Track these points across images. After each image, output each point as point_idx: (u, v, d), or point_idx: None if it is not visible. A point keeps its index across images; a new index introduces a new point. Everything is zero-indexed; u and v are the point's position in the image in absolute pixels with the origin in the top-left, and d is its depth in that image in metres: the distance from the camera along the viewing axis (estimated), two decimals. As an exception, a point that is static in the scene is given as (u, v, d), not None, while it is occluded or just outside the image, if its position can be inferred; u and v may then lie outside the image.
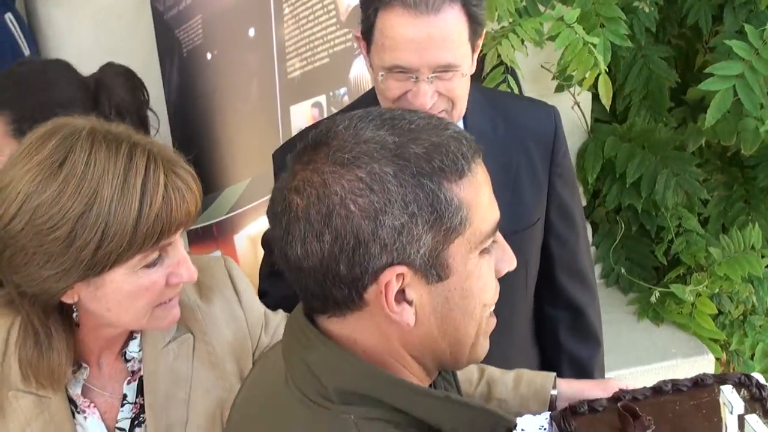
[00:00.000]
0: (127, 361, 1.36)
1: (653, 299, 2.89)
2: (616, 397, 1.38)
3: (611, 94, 2.53)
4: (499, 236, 1.06)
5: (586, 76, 2.49)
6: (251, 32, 2.24)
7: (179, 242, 1.27)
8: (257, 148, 2.24)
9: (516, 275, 1.82)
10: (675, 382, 1.40)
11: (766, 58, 2.44)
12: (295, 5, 2.29)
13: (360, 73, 2.58)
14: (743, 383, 1.38)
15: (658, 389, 1.40)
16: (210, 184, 2.20)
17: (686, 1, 2.91)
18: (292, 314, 1.10)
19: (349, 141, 0.97)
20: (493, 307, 1.09)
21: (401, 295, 0.98)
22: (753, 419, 1.21)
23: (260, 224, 2.26)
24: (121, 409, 1.37)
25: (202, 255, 1.51)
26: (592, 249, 3.26)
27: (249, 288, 1.48)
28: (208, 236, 2.27)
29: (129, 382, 1.37)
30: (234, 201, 2.25)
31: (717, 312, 2.85)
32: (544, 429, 1.44)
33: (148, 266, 1.21)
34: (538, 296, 1.89)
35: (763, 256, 2.80)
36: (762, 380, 1.42)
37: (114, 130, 1.23)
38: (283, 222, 0.99)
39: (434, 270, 0.98)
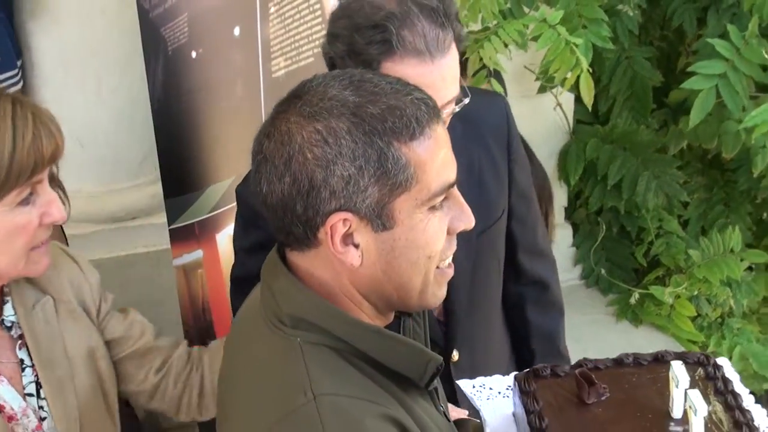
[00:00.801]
0: (8, 328, 1.51)
1: (632, 300, 2.99)
2: (579, 365, 1.48)
3: (593, 94, 2.57)
4: (456, 196, 1.20)
5: (568, 76, 2.53)
6: (236, 31, 2.28)
7: (46, 183, 1.42)
8: (241, 147, 2.22)
9: (490, 265, 1.90)
10: (636, 356, 1.51)
11: (749, 58, 2.52)
12: (280, 4, 2.31)
13: None
14: (701, 362, 1.50)
15: (619, 361, 1.51)
16: (193, 183, 2.25)
17: (670, 3, 2.98)
18: (273, 249, 1.26)
19: (316, 96, 1.13)
20: (449, 260, 1.23)
21: (349, 239, 1.14)
22: (694, 394, 1.33)
23: (243, 223, 2.38)
24: (23, 374, 1.52)
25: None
26: (573, 250, 3.35)
27: (84, 257, 1.68)
28: (190, 235, 2.30)
29: (20, 347, 1.52)
30: (216, 200, 2.30)
31: (695, 314, 2.93)
32: (510, 388, 1.60)
33: (22, 203, 1.37)
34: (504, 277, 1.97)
35: (742, 260, 2.89)
36: (723, 363, 1.53)
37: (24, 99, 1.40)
38: (255, 162, 1.15)
39: (379, 220, 1.12)
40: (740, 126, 2.58)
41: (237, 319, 1.38)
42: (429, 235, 1.17)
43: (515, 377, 1.51)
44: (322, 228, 1.13)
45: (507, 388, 1.61)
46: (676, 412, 1.42)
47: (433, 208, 1.16)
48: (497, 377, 1.64)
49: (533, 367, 1.52)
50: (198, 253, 2.33)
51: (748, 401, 1.47)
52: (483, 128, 1.85)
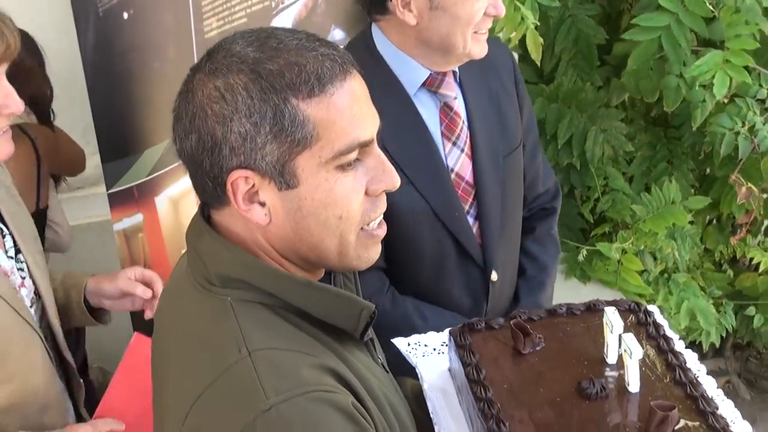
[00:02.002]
0: None
1: (581, 258, 3.00)
2: (513, 316, 1.49)
3: (540, 50, 2.59)
4: (376, 155, 1.19)
5: (513, 36, 2.57)
6: None
7: (3, 78, 1.52)
8: (176, 108, 2.30)
9: (516, 190, 1.99)
10: (570, 306, 1.53)
11: (693, 11, 2.52)
12: None
13: None
14: (632, 310, 1.52)
15: (553, 312, 1.53)
16: (129, 146, 2.20)
17: None
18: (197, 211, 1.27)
19: (221, 54, 1.14)
20: (377, 221, 1.23)
21: (255, 197, 1.14)
22: (629, 337, 1.35)
23: (181, 185, 2.30)
24: (5, 239, 1.71)
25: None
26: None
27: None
28: (129, 199, 2.25)
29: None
30: (154, 162, 2.25)
31: (642, 269, 2.95)
32: (445, 344, 1.59)
33: None
34: None
35: (690, 211, 2.94)
36: (653, 309, 1.55)
37: None
38: (172, 120, 1.18)
39: (282, 178, 1.13)
40: (684, 75, 2.58)
41: (165, 288, 1.37)
42: (338, 196, 1.15)
43: (450, 332, 1.51)
44: (227, 186, 1.14)
45: (442, 344, 1.61)
46: (611, 358, 1.44)
47: (341, 168, 1.14)
48: (432, 334, 1.65)
49: (467, 321, 1.52)
50: (138, 217, 2.30)
51: (679, 346, 1.49)
52: (495, 62, 1.93)
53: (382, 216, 1.24)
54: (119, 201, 2.28)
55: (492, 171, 1.89)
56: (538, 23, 2.56)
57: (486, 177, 1.88)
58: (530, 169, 2.04)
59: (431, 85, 1.82)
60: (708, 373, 1.50)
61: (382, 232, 1.25)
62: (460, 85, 1.87)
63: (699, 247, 3.04)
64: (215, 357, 1.14)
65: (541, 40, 2.56)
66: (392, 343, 1.64)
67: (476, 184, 1.88)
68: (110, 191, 2.23)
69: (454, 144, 1.86)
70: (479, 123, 1.87)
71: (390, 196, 1.76)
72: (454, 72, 1.85)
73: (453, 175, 1.86)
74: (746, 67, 2.63)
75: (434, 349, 1.63)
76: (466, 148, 1.86)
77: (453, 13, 1.71)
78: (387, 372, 1.39)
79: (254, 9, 2.41)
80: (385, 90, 1.77)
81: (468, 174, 1.87)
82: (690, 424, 1.28)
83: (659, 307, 2.96)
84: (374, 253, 1.25)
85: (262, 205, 1.15)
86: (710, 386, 1.42)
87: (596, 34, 3.05)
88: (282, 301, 1.18)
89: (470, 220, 1.89)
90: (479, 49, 1.76)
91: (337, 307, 1.21)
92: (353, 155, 1.15)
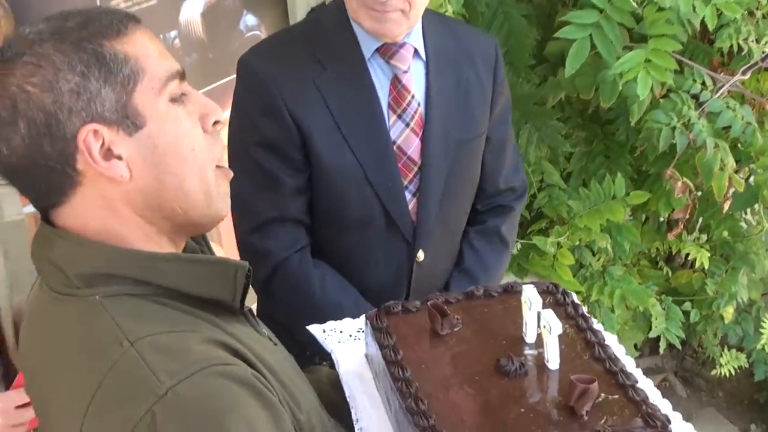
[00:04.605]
0: None
1: (516, 251, 2.94)
2: (429, 299, 1.46)
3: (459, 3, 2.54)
4: (193, 92, 1.18)
5: None
6: None
7: None
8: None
9: (464, 178, 1.94)
10: (487, 288, 1.51)
11: (620, 7, 2.50)
12: None
13: (190, 16, 2.56)
14: (550, 291, 1.51)
15: (470, 294, 1.51)
16: None
17: None
18: (37, 229, 1.18)
19: (15, 44, 1.08)
20: (225, 160, 1.22)
21: (110, 154, 1.10)
22: (548, 313, 1.34)
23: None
24: None
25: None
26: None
27: None
28: None
29: None
30: None
31: (578, 264, 2.94)
32: (361, 330, 1.53)
33: None
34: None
35: (627, 206, 2.89)
36: (569, 292, 1.53)
37: None
38: None
39: (128, 120, 1.10)
40: (609, 72, 2.55)
41: (26, 319, 1.27)
42: (183, 127, 1.15)
43: (366, 316, 1.48)
44: (78, 154, 1.09)
45: (358, 331, 1.58)
46: (530, 337, 1.41)
47: (174, 101, 1.15)
48: (348, 320, 1.62)
49: (384, 305, 1.49)
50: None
51: (597, 326, 1.47)
52: (474, 53, 1.94)
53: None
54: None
55: (441, 152, 1.87)
56: (465, 13, 2.51)
57: (433, 157, 1.86)
58: (494, 163, 2.03)
59: (385, 54, 1.81)
60: (644, 371, 1.48)
61: (228, 174, 1.24)
62: (427, 65, 1.86)
63: (637, 242, 3.00)
64: (96, 358, 1.07)
65: (464, 12, 2.55)
66: (307, 329, 1.60)
67: (422, 161, 1.86)
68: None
69: (399, 117, 1.83)
70: (437, 104, 1.86)
71: (322, 153, 1.79)
72: (418, 52, 1.85)
73: (395, 147, 1.83)
74: (680, 63, 2.61)
75: (350, 336, 1.59)
76: (414, 125, 1.84)
77: None
78: (276, 345, 1.33)
79: (163, -9, 2.34)
80: (346, 48, 1.80)
81: (412, 150, 1.85)
82: (610, 397, 1.28)
83: (594, 302, 2.95)
84: (224, 202, 1.24)
85: (119, 159, 1.11)
86: (647, 386, 1.39)
87: (528, 33, 3.01)
88: (152, 287, 1.12)
89: (408, 195, 1.87)
90: (369, 24, 1.75)
91: (210, 276, 1.16)
92: (177, 85, 1.15)
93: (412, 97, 1.83)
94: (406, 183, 1.86)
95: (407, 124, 1.84)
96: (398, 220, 1.86)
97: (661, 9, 2.53)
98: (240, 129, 1.85)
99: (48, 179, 1.10)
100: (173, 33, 2.52)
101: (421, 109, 1.84)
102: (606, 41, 2.55)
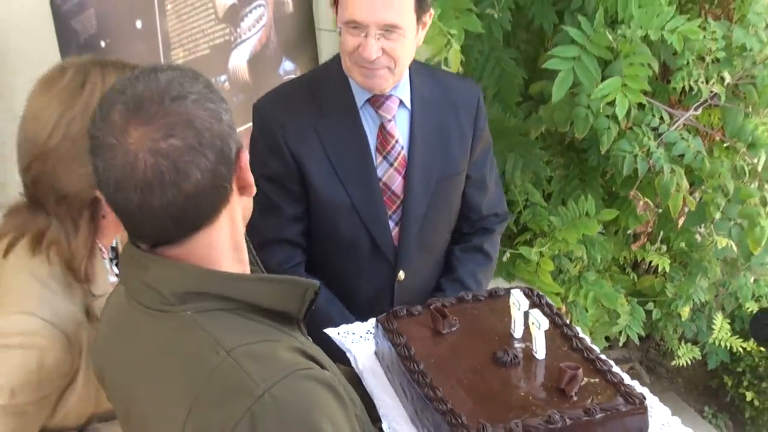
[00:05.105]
0: None
1: (505, 259, 2.95)
2: (429, 305, 1.48)
3: (458, 62, 2.53)
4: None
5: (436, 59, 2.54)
6: (138, 24, 2.18)
7: None
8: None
9: (442, 210, 1.93)
10: (475, 294, 1.53)
11: (597, 42, 2.53)
12: (175, 1, 2.26)
13: (238, 63, 2.59)
14: (527, 294, 1.51)
15: (461, 298, 1.53)
16: None
17: (531, 7, 2.94)
18: (123, 253, 1.15)
19: (172, 85, 1.03)
20: None
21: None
22: (535, 312, 1.35)
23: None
24: None
25: None
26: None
27: None
28: None
29: None
30: None
31: (558, 270, 2.91)
32: (371, 332, 1.53)
33: None
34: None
35: (599, 222, 2.88)
36: (543, 294, 1.56)
37: (112, 59, 1.36)
38: (162, 174, 0.99)
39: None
40: (592, 98, 2.55)
41: (103, 335, 1.23)
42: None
43: (377, 320, 1.49)
44: (235, 173, 1.08)
45: (367, 332, 1.60)
46: (517, 332, 1.43)
47: None
48: (357, 324, 1.63)
49: (392, 309, 1.52)
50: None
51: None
52: (457, 100, 1.92)
53: None
54: None
55: (421, 188, 1.87)
56: (463, 58, 2.53)
57: (414, 192, 1.86)
58: (476, 197, 2.01)
59: (374, 104, 1.82)
60: (615, 361, 1.49)
61: None
62: (411, 113, 1.85)
63: (608, 252, 3.00)
64: (195, 367, 1.05)
65: (462, 57, 2.53)
66: (324, 332, 1.60)
67: (405, 195, 1.85)
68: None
69: (385, 158, 1.84)
70: (419, 147, 1.85)
71: (318, 187, 1.80)
72: (403, 102, 1.84)
73: (381, 183, 1.84)
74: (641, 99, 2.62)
75: (360, 336, 1.60)
76: (397, 164, 1.84)
77: (341, 42, 1.74)
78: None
79: (216, 42, 2.36)
80: (342, 98, 1.80)
81: (396, 185, 1.85)
82: (592, 381, 1.30)
83: (571, 302, 2.95)
84: None
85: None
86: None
87: (516, 74, 3.02)
88: (235, 302, 1.09)
89: (391, 224, 1.87)
90: (360, 79, 1.76)
91: (284, 292, 1.13)
92: None
93: (396, 141, 1.83)
94: (390, 213, 1.86)
95: (391, 164, 1.84)
96: (382, 244, 1.86)
97: (632, 42, 2.55)
98: (252, 162, 1.86)
99: (214, 201, 1.06)
100: (223, 77, 2.55)
101: (404, 151, 1.83)
102: (586, 72, 2.56)
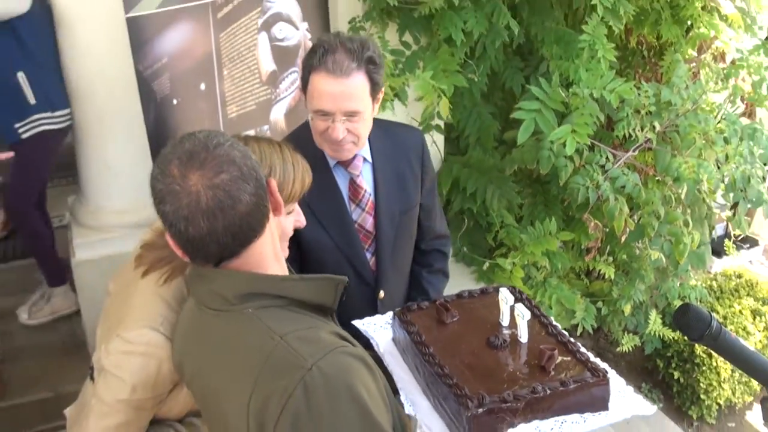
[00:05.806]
0: None
1: (485, 268, 2.97)
2: (435, 300, 1.48)
3: (447, 110, 2.60)
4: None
5: (429, 107, 2.64)
6: (202, 86, 2.24)
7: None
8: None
9: (406, 236, 1.91)
10: (470, 291, 1.52)
11: (554, 99, 2.59)
12: (231, 69, 2.28)
13: (276, 117, 2.58)
14: (512, 292, 1.50)
15: (460, 295, 1.51)
16: None
17: (504, 74, 3.04)
18: (191, 274, 1.15)
19: (197, 151, 1.04)
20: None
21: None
22: (519, 306, 1.34)
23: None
24: None
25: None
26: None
27: None
28: None
29: None
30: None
31: (527, 276, 2.92)
32: (389, 323, 1.53)
33: (289, 213, 1.34)
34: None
35: (558, 239, 2.92)
36: (523, 292, 1.54)
37: (255, 135, 1.40)
38: (216, 198, 1.00)
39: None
40: (548, 139, 2.57)
41: (181, 339, 1.22)
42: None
43: (394, 313, 1.48)
44: (268, 196, 1.09)
45: (385, 323, 1.57)
46: (505, 321, 1.42)
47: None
48: (378, 316, 1.59)
49: (405, 305, 1.51)
50: None
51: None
52: (406, 147, 1.85)
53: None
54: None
55: (388, 223, 1.84)
56: (453, 122, 2.56)
57: (383, 227, 1.83)
58: (428, 219, 1.97)
59: (343, 164, 1.78)
60: None
61: None
62: (373, 165, 1.81)
63: (567, 262, 3.01)
64: (257, 350, 1.05)
65: (448, 105, 2.56)
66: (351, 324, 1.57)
67: (376, 231, 1.83)
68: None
69: (357, 205, 1.80)
70: (382, 192, 1.82)
71: (305, 233, 1.69)
72: (366, 158, 1.80)
73: (356, 225, 1.81)
74: (593, 145, 2.65)
75: (380, 326, 1.58)
76: (367, 208, 1.81)
77: (311, 124, 1.70)
78: None
79: (260, 100, 2.39)
80: (318, 161, 1.73)
81: (368, 225, 1.82)
82: (564, 359, 1.30)
83: (538, 302, 2.94)
84: None
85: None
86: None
87: (493, 124, 3.06)
88: (285, 300, 1.10)
89: (368, 255, 1.84)
90: (330, 152, 1.71)
91: (323, 288, 1.14)
92: None
93: (365, 191, 1.80)
94: (366, 247, 1.83)
95: (363, 209, 1.81)
96: (362, 272, 1.83)
97: (582, 98, 2.60)
98: None
99: (259, 218, 1.07)
100: (266, 126, 2.57)
101: (371, 197, 1.80)
102: (546, 121, 2.60)
